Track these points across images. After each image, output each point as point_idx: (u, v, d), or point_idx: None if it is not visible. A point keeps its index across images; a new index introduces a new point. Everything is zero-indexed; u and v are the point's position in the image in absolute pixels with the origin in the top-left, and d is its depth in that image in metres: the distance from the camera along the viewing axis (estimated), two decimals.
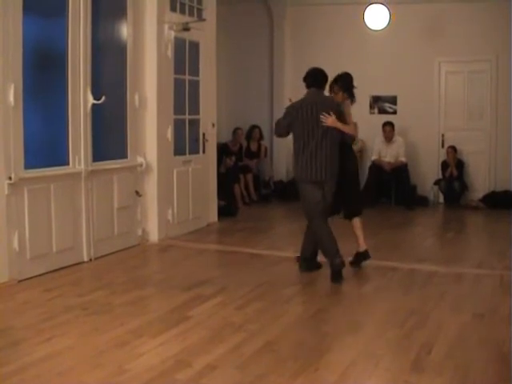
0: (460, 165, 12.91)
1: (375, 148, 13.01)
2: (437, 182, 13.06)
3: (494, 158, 12.95)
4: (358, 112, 13.38)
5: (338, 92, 7.71)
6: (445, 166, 12.95)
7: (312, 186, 7.29)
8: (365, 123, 13.39)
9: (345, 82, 7.75)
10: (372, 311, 6.21)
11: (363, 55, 13.29)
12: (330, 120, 7.20)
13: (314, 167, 7.21)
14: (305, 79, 7.50)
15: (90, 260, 7.90)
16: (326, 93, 7.67)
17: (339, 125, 7.26)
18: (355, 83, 7.81)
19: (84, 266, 7.75)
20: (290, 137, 7.54)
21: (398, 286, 7.15)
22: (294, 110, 7.35)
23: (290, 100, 7.73)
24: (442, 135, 13.26)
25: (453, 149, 12.88)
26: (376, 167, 12.86)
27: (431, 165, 13.27)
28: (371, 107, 13.59)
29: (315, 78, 7.46)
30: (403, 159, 12.84)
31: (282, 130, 7.50)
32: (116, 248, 8.40)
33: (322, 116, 7.19)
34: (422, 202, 12.85)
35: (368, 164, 13.14)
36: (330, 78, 7.63)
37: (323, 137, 7.21)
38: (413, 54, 13.07)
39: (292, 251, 8.19)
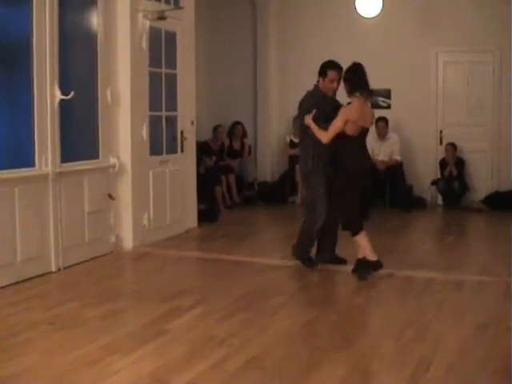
0: (460, 163, 12.94)
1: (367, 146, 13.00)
2: (435, 182, 13.09)
3: (496, 156, 13.00)
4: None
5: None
6: (443, 164, 12.98)
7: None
8: None
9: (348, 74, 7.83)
10: (365, 323, 6.22)
11: (354, 45, 13.27)
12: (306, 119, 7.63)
13: None
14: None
15: (59, 270, 7.85)
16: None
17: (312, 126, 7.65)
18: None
19: (52, 276, 7.70)
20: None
21: (393, 295, 7.15)
22: None
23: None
24: (440, 131, 13.31)
25: (452, 146, 12.91)
26: None
27: (428, 164, 13.31)
28: None
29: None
30: (398, 158, 12.87)
31: None
32: (87, 256, 8.36)
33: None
34: (419, 203, 12.89)
35: None
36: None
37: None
38: (408, 44, 13.11)
39: (278, 258, 8.18)
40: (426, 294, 7.14)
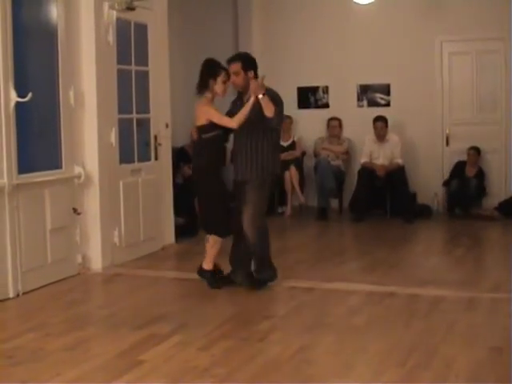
0: (480, 174, 12.92)
1: (365, 149, 13.03)
2: (446, 183, 13.01)
3: (510, 157, 13.00)
4: (343, 105, 13.57)
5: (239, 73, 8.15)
6: (459, 167, 12.97)
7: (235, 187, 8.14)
8: (352, 118, 13.52)
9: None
10: (365, 348, 6.20)
11: (348, 35, 13.36)
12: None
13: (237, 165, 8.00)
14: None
15: (17, 296, 7.82)
16: None
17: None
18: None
19: (9, 303, 7.68)
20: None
21: (396, 315, 7.15)
22: None
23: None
24: (447, 131, 13.33)
25: (475, 151, 12.87)
26: (367, 172, 12.87)
27: (434, 167, 13.34)
28: (359, 99, 13.64)
29: None
30: (399, 161, 12.88)
31: None
32: (50, 279, 8.33)
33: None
34: (424, 212, 12.91)
35: (357, 168, 13.17)
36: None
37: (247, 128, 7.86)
38: (408, 32, 13.16)
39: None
40: (434, 315, 7.15)
